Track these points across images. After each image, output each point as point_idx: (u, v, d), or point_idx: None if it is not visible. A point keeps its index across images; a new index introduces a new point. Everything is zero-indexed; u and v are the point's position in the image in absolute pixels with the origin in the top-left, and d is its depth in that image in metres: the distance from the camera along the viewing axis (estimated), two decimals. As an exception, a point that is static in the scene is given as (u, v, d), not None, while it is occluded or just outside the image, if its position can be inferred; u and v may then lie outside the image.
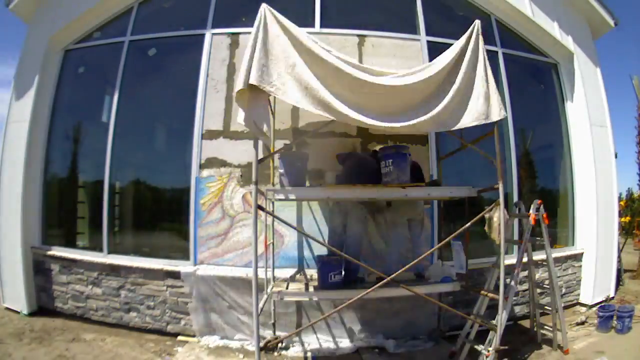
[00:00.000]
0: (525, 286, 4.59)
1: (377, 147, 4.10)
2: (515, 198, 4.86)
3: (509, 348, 3.41)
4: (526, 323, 4.45)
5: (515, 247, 4.66)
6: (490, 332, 3.34)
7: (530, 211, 3.63)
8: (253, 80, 2.66)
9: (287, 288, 3.67)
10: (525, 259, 3.76)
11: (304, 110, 4.44)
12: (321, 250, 4.17)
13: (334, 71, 2.82)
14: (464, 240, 3.71)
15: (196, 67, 4.54)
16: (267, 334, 3.95)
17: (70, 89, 5.30)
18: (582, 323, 4.45)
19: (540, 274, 4.75)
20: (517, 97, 5.11)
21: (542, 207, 3.62)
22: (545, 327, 3.91)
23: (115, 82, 4.81)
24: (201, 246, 4.25)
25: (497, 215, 3.24)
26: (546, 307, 3.89)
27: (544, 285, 4.42)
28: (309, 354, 3.85)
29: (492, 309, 3.54)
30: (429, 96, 3.08)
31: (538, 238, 3.79)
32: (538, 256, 4.10)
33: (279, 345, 3.89)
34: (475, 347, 3.39)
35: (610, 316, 4.20)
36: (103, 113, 5.08)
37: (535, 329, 4.03)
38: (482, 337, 3.47)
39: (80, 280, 4.58)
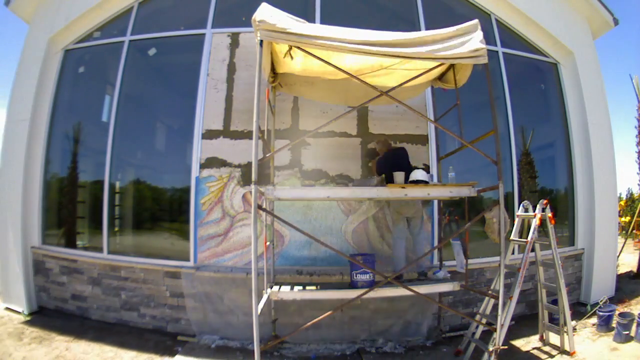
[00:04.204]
0: (525, 286, 4.57)
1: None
2: (516, 198, 4.86)
3: (508, 348, 3.39)
4: (527, 323, 4.44)
5: (515, 247, 4.64)
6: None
7: (536, 211, 3.62)
8: None
9: (292, 289, 3.65)
10: (533, 259, 3.74)
11: (304, 110, 4.51)
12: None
13: None
14: (464, 240, 3.70)
15: (196, 67, 4.54)
16: (267, 333, 3.94)
17: (70, 88, 5.30)
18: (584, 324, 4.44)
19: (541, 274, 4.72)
20: (517, 97, 5.10)
21: (548, 207, 3.61)
22: (552, 328, 3.86)
23: (115, 82, 4.81)
24: (201, 246, 4.25)
25: (497, 215, 3.23)
26: (554, 307, 3.84)
27: (550, 285, 4.39)
28: (309, 354, 3.85)
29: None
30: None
31: (545, 238, 3.75)
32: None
33: (279, 345, 3.88)
34: (481, 346, 3.37)
35: (610, 316, 4.18)
36: (103, 113, 5.09)
37: (543, 330, 3.97)
38: (489, 336, 3.45)
39: (80, 280, 4.59)
